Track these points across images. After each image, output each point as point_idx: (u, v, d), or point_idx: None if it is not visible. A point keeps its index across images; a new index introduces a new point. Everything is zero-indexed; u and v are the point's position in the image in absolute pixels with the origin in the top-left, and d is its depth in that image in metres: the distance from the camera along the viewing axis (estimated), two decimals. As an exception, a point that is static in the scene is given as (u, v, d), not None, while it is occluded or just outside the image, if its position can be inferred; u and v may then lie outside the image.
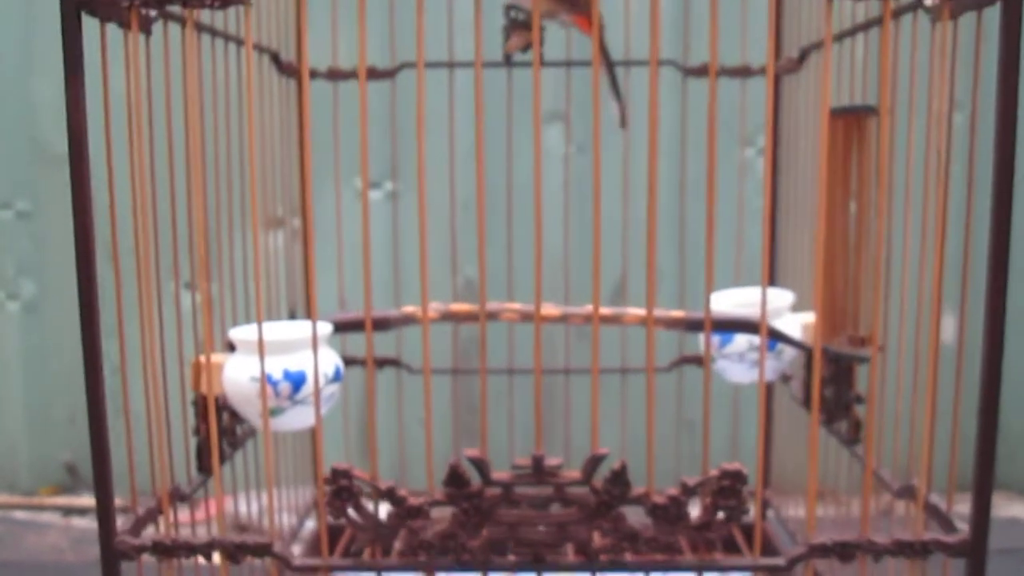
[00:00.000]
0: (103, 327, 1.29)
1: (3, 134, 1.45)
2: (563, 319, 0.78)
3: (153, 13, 0.59)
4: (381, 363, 1.03)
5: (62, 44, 0.55)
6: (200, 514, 0.99)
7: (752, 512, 0.63)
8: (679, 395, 1.11)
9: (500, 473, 0.60)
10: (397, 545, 0.61)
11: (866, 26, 0.75)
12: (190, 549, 0.61)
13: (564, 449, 1.14)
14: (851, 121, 0.73)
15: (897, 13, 0.67)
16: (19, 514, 1.44)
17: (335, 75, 0.98)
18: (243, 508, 0.92)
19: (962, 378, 0.64)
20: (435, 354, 1.19)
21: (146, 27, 0.60)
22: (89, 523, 1.42)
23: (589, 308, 0.79)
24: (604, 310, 0.79)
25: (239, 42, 0.81)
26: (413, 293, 1.02)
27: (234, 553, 0.61)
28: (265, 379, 0.61)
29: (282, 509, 0.93)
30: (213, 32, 0.76)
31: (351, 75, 0.97)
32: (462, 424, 1.40)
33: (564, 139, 1.36)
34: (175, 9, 0.62)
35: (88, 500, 1.48)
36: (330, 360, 0.74)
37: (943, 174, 0.62)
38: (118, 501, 1.51)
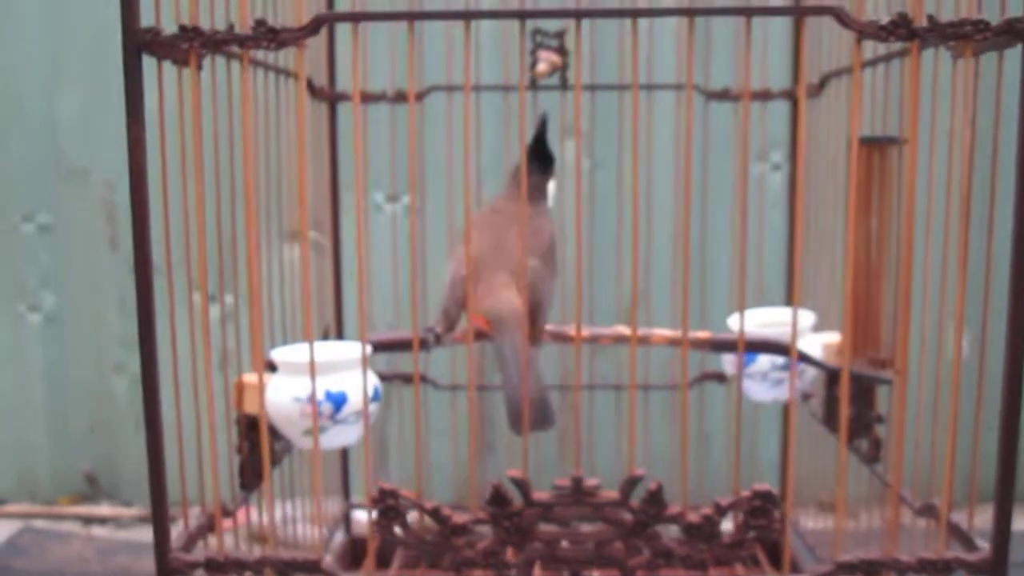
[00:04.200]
0: (129, 341, 1.31)
1: (25, 148, 1.47)
2: (593, 340, 0.80)
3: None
4: (407, 379, 1.05)
5: (124, 85, 0.57)
6: (227, 523, 1.01)
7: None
8: (700, 410, 1.14)
9: (541, 493, 0.63)
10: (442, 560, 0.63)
11: (887, 58, 0.78)
12: (241, 566, 0.63)
13: (588, 461, 1.17)
14: (874, 150, 0.76)
15: (920, 47, 0.69)
16: (39, 523, 1.46)
17: (364, 98, 1.00)
18: (266, 518, 0.95)
19: (983, 392, 0.66)
20: (459, 370, 1.22)
21: (199, 63, 0.62)
22: (110, 532, 1.44)
23: (618, 329, 0.81)
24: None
25: (277, 70, 0.83)
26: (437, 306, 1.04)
27: (284, 570, 0.63)
28: (314, 400, 0.64)
29: (307, 519, 0.95)
30: (254, 62, 0.78)
31: (380, 98, 1.00)
32: (485, 439, 1.42)
33: (582, 154, 1.38)
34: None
35: (108, 509, 1.50)
36: (369, 381, 0.76)
37: (965, 206, 0.65)
38: (139, 511, 1.53)
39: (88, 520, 1.48)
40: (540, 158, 0.80)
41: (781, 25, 1.21)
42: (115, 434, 1.52)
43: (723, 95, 1.00)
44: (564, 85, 0.97)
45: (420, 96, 1.00)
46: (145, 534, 1.43)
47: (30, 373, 1.52)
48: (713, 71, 1.05)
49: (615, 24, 1.12)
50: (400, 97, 1.00)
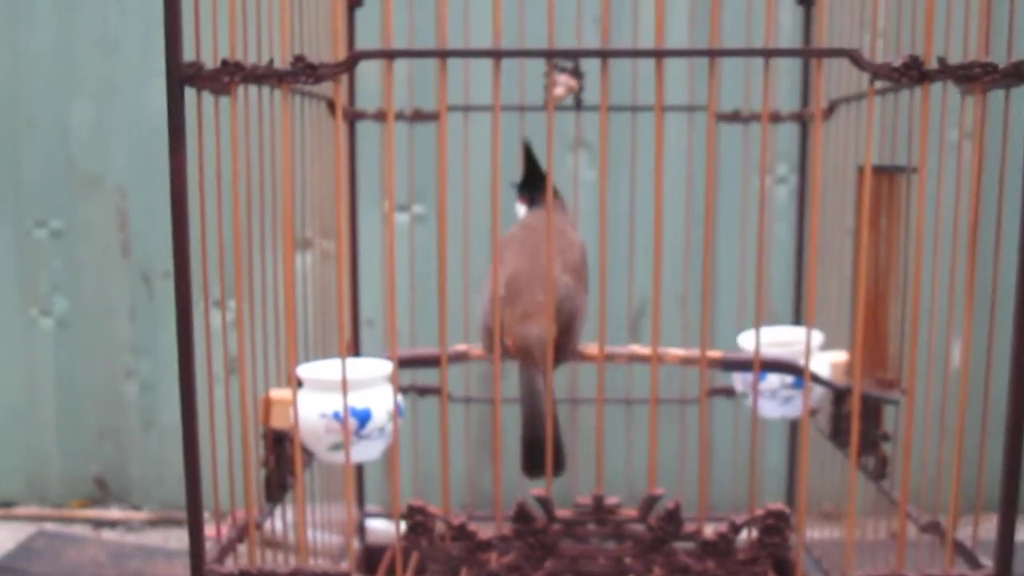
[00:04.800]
0: (139, 347, 1.32)
1: (38, 154, 1.49)
2: (609, 358, 0.82)
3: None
4: (424, 391, 1.08)
5: (167, 117, 0.59)
6: (226, 527, 1.03)
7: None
8: (707, 421, 1.16)
9: (563, 511, 0.65)
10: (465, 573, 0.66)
11: (896, 88, 0.80)
12: (273, 579, 0.66)
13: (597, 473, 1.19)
14: (883, 178, 0.78)
15: (932, 79, 0.71)
16: (51, 526, 1.48)
17: (383, 117, 1.03)
18: (272, 524, 0.96)
19: (989, 404, 0.68)
20: (473, 382, 1.24)
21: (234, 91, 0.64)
22: (120, 536, 1.46)
23: (632, 348, 0.84)
24: (646, 350, 0.83)
25: (302, 93, 0.85)
26: (456, 320, 1.06)
27: (314, 582, 0.65)
28: (347, 418, 0.66)
29: (320, 526, 0.97)
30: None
31: (398, 116, 1.02)
32: (484, 451, 1.45)
33: (592, 166, 1.41)
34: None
35: (117, 513, 1.52)
36: (393, 398, 0.79)
37: (972, 234, 0.67)
38: (149, 514, 1.54)
39: (98, 523, 1.50)
40: (533, 179, 0.84)
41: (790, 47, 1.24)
42: (125, 438, 1.54)
43: (733, 117, 1.03)
44: (579, 106, 1.00)
45: (438, 116, 1.03)
46: (156, 538, 1.45)
47: (41, 377, 1.54)
48: (723, 92, 1.08)
49: (629, 47, 1.14)
50: (417, 116, 1.03)
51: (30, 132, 1.49)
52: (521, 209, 0.90)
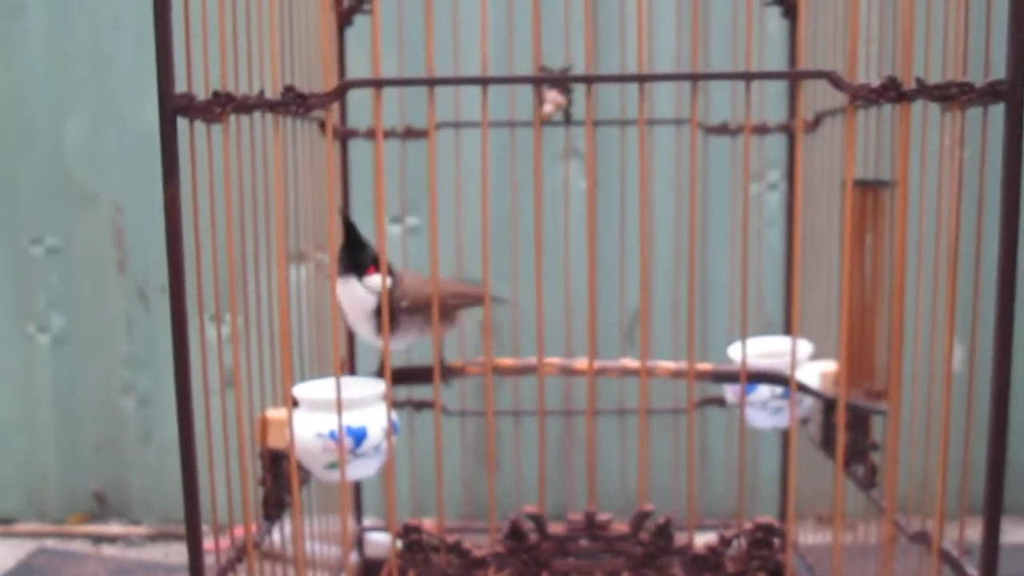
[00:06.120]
0: (136, 362, 1.32)
1: (34, 172, 1.50)
2: (600, 372, 0.83)
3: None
4: (420, 405, 1.09)
5: (160, 147, 0.60)
6: (224, 542, 1.04)
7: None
8: (701, 426, 1.17)
9: (556, 527, 0.66)
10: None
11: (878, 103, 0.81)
12: (272, 599, 0.67)
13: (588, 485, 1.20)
14: (867, 192, 0.80)
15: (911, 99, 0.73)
16: (51, 542, 1.48)
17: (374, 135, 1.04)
18: (271, 537, 0.97)
19: (974, 409, 0.69)
20: (469, 396, 1.25)
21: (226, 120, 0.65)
22: (120, 551, 1.47)
23: (623, 362, 0.85)
24: (636, 364, 0.84)
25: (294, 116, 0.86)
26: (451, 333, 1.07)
27: (312, 602, 0.66)
28: (342, 438, 0.67)
29: (318, 539, 0.98)
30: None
31: (390, 134, 1.03)
32: (480, 461, 1.46)
33: (581, 176, 1.42)
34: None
35: (117, 528, 1.53)
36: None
37: (953, 245, 0.68)
38: (148, 529, 1.54)
39: (98, 539, 1.50)
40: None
41: (778, 59, 1.25)
42: (123, 453, 1.55)
43: (722, 129, 1.04)
44: (568, 121, 1.01)
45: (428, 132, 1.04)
46: (155, 553, 1.46)
47: (39, 393, 1.55)
48: (712, 104, 1.09)
49: (616, 62, 1.16)
50: (409, 133, 1.04)
51: (25, 149, 1.49)
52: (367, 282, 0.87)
